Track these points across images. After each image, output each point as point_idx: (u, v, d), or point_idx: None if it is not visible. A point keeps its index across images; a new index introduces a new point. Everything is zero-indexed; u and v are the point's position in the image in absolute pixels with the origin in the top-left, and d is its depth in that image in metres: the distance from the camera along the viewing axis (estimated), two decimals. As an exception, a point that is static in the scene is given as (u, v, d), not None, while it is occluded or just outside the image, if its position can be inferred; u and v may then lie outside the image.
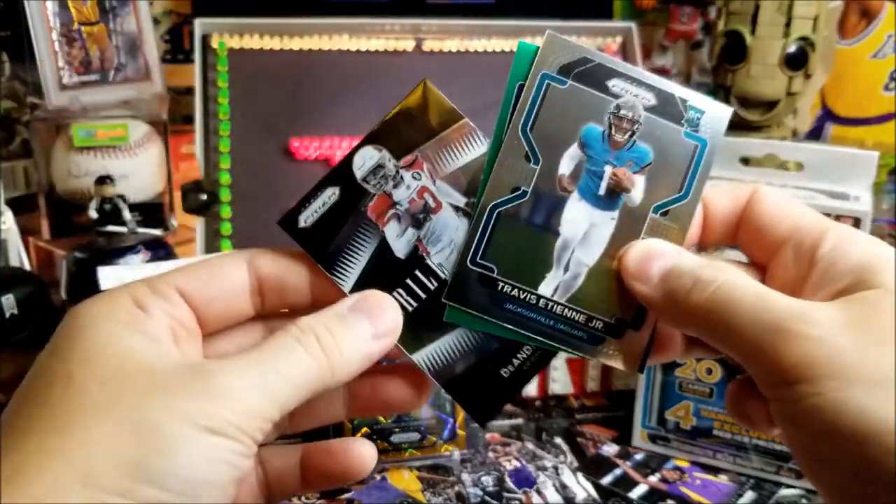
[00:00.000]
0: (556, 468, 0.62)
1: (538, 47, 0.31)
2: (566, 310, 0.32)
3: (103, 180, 0.69)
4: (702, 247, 0.34)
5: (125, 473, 0.24)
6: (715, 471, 0.63)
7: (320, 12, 0.77)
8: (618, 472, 0.62)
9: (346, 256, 0.32)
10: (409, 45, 0.76)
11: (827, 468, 0.24)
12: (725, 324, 0.27)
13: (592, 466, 0.63)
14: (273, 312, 0.33)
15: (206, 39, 0.73)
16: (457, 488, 0.60)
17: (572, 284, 0.32)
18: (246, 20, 0.74)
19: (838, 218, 0.58)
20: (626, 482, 0.61)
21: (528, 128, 0.31)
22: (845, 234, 0.29)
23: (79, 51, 0.73)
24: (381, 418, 0.61)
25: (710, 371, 0.62)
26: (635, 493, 0.60)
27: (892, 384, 0.23)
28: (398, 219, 0.32)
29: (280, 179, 0.71)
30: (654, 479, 0.62)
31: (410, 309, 0.32)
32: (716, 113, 0.32)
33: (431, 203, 0.32)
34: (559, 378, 0.71)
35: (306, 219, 0.32)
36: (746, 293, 0.27)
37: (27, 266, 0.73)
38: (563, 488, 0.60)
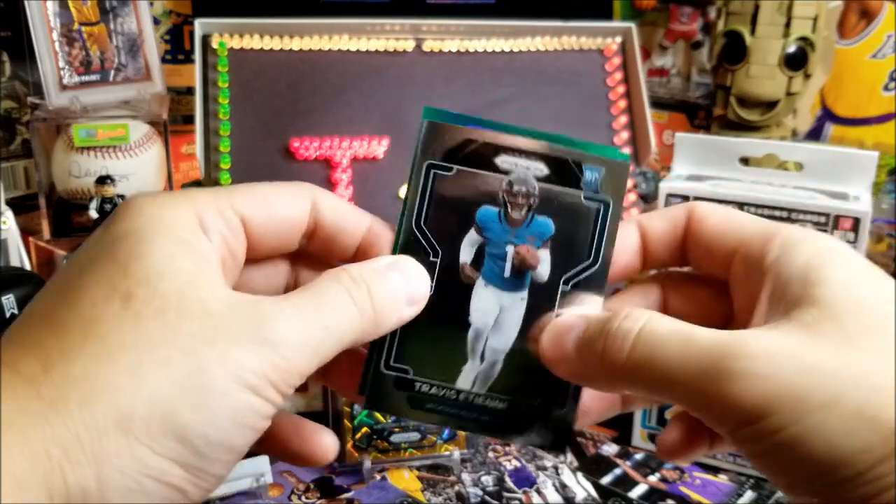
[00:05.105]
0: (555, 468, 0.62)
1: (444, 112, 0.30)
2: (487, 399, 0.31)
3: (104, 180, 0.69)
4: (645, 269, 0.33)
5: (158, 423, 0.23)
6: (715, 470, 0.63)
7: (320, 12, 0.77)
8: (618, 471, 0.62)
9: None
10: (409, 45, 0.76)
11: (805, 494, 0.24)
12: (657, 376, 0.25)
13: (592, 466, 0.63)
14: (308, 253, 0.32)
15: (206, 39, 0.73)
16: (457, 488, 0.60)
17: (490, 373, 0.30)
18: (246, 20, 0.74)
19: (838, 218, 0.58)
20: (626, 482, 0.61)
21: (423, 221, 0.30)
22: (792, 237, 0.28)
23: (79, 51, 0.73)
24: (381, 418, 0.61)
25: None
26: (635, 493, 0.60)
27: (841, 403, 0.23)
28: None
29: (280, 179, 0.70)
30: (653, 478, 0.62)
31: None
32: (615, 169, 0.30)
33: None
34: (559, 378, 0.71)
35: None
36: (670, 338, 0.25)
37: (27, 266, 0.73)
38: (562, 488, 0.60)
